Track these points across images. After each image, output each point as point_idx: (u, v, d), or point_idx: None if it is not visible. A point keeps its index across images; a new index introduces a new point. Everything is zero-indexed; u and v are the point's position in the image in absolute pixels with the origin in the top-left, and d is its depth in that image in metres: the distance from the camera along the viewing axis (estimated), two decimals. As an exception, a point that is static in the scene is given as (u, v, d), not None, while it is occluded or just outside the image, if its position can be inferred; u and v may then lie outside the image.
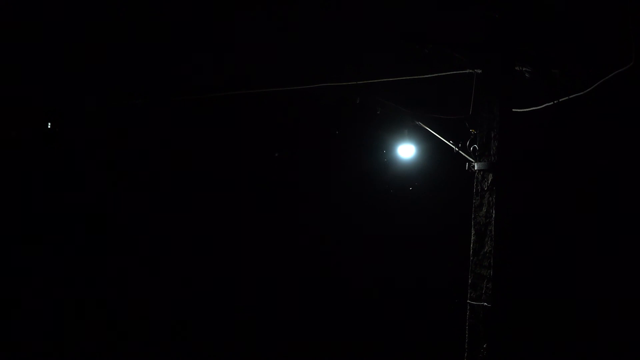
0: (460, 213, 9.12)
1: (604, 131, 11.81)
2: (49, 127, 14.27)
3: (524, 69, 7.96)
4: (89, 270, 14.10)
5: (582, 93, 8.06)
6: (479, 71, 8.13)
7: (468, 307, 7.92)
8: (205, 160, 14.89)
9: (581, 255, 12.29)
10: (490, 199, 7.80)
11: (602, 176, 12.14)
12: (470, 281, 7.92)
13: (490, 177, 7.85)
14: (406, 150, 9.98)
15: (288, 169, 15.22)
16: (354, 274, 14.49)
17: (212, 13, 12.99)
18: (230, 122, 14.65)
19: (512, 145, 7.90)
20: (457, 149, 8.34)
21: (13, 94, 13.74)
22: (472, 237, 7.99)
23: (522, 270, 8.10)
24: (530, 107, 8.42)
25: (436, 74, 8.79)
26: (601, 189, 12.21)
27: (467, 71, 8.24)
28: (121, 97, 13.65)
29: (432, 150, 10.36)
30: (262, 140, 15.07)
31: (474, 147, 8.08)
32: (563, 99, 7.98)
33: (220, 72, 13.18)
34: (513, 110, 8.00)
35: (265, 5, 12.62)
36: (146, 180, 14.72)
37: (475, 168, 8.00)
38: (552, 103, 8.03)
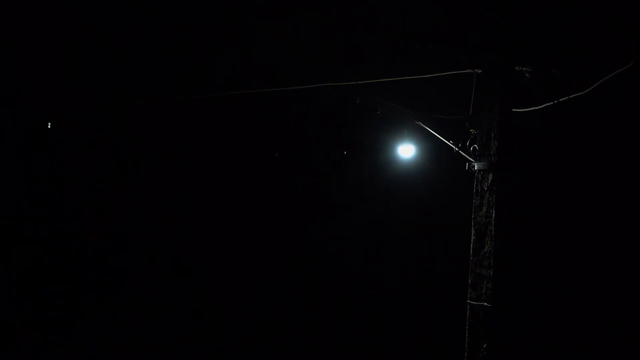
0: (460, 213, 9.12)
1: (603, 131, 11.82)
2: (49, 127, 14.26)
3: (524, 69, 7.96)
4: (89, 269, 14.09)
5: (582, 93, 8.06)
6: (479, 71, 8.13)
7: (468, 307, 7.92)
8: (205, 160, 14.89)
9: (581, 254, 12.29)
10: (490, 199, 7.80)
11: (602, 176, 12.14)
12: (470, 281, 7.93)
13: (490, 177, 7.85)
14: (406, 150, 9.95)
15: (288, 169, 15.22)
16: (354, 274, 14.49)
17: (213, 13, 13.00)
18: (230, 122, 14.65)
19: (512, 145, 7.90)
20: (457, 149, 8.34)
21: (13, 94, 13.74)
22: (472, 237, 7.99)
23: (522, 270, 8.10)
24: (530, 107, 8.41)
25: (436, 74, 8.79)
26: (601, 189, 12.22)
27: (467, 71, 8.23)
28: (121, 97, 13.65)
29: (432, 150, 10.35)
30: (262, 140, 15.07)
31: (474, 147, 8.08)
32: (563, 99, 7.98)
33: (220, 72, 13.18)
34: (513, 110, 8.01)
35: (266, 5, 12.63)
36: (145, 180, 14.72)
37: (475, 168, 8.00)
38: (552, 103, 8.03)
